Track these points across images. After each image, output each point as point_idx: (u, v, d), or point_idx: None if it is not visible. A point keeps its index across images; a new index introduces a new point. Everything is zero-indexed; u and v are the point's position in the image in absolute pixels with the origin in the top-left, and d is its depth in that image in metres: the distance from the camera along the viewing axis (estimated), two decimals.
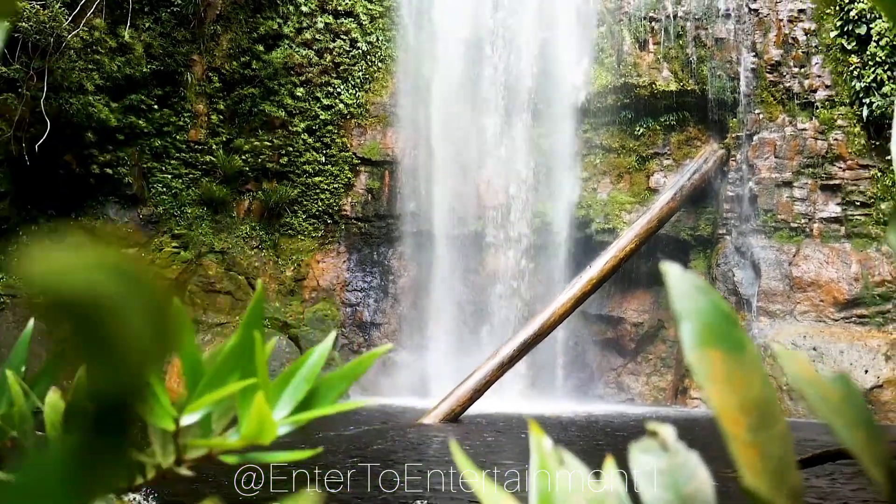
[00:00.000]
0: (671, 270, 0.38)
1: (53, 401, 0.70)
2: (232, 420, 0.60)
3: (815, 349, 11.89)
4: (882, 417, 11.13)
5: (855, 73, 12.62)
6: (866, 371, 11.54)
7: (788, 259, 12.71)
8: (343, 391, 0.62)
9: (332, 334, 0.71)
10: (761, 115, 13.17)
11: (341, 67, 14.85)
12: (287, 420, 0.58)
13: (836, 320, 12.32)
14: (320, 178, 14.91)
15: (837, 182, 12.79)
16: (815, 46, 13.01)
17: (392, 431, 8.87)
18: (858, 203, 12.70)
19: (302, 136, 14.82)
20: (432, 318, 14.27)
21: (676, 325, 0.38)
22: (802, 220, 12.86)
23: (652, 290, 14.17)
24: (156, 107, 14.14)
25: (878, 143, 12.62)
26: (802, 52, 13.03)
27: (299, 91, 14.73)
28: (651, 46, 13.70)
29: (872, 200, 12.64)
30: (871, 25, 12.41)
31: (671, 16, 13.62)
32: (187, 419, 0.57)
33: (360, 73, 14.90)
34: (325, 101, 14.83)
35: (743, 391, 0.32)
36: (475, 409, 10.54)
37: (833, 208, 12.78)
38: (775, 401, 0.34)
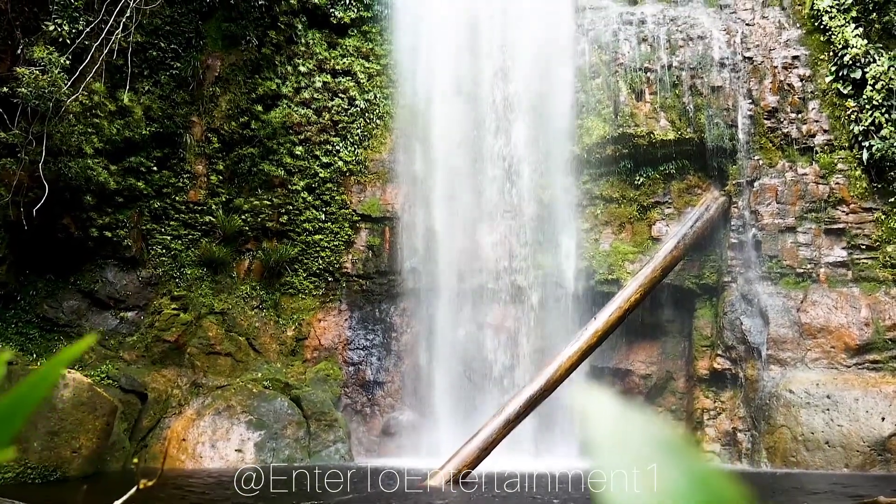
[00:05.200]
0: None
1: None
2: None
3: (828, 397, 11.58)
4: None
5: (852, 116, 12.61)
6: (883, 419, 11.21)
7: (796, 305, 12.48)
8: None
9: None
10: (761, 162, 13.13)
11: (340, 125, 14.89)
12: None
13: (849, 367, 12.03)
14: (320, 236, 14.81)
15: (841, 226, 12.66)
16: (811, 92, 13.04)
17: (396, 496, 8.55)
18: (864, 247, 12.54)
19: (301, 195, 14.77)
20: (435, 375, 14.00)
21: None
22: (808, 266, 12.68)
23: (659, 341, 13.92)
24: (155, 168, 14.13)
25: (880, 186, 12.53)
26: (799, 98, 13.06)
27: (298, 150, 14.74)
28: (647, 96, 13.74)
29: (878, 244, 12.49)
30: (865, 70, 12.46)
31: (666, 66, 13.70)
32: None
33: (359, 131, 14.95)
34: (324, 159, 14.83)
35: None
36: (483, 467, 10.21)
37: (839, 252, 12.62)
38: None
